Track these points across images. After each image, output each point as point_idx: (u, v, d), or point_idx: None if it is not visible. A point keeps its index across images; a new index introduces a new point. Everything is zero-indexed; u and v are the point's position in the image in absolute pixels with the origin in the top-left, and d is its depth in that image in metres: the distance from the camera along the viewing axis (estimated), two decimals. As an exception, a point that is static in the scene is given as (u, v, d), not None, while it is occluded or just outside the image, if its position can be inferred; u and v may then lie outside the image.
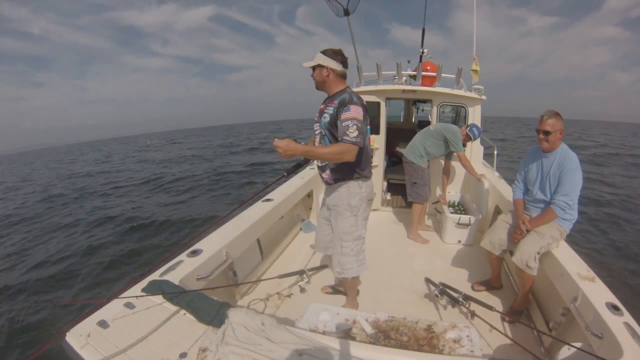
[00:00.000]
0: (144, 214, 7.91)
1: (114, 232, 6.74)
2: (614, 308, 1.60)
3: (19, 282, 4.83)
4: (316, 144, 2.09)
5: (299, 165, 1.96)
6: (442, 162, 3.94)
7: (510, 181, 3.09)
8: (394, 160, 5.30)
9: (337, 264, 2.18)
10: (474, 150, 4.16)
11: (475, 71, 4.13)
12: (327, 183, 2.14)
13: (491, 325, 1.96)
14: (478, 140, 4.12)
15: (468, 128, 3.61)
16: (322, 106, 2.04)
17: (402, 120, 7.02)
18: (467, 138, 3.64)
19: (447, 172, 3.96)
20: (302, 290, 2.69)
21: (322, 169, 2.11)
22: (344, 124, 1.78)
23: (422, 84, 4.05)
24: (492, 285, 2.73)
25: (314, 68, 1.94)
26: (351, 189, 2.04)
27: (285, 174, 1.95)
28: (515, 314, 2.37)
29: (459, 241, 3.54)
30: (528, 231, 2.29)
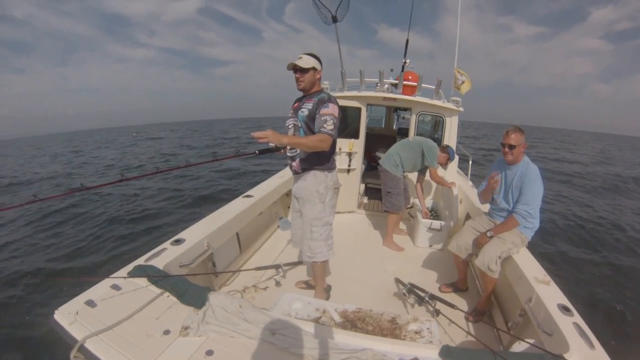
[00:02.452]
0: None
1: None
2: (564, 309, 1.74)
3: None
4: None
5: (271, 150, 2.04)
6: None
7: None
8: (372, 165, 5.41)
9: (308, 249, 2.30)
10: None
11: (458, 87, 4.26)
12: (295, 172, 2.30)
13: (450, 320, 2.11)
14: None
15: (447, 151, 3.71)
16: (296, 104, 2.23)
17: (383, 126, 7.16)
18: (447, 159, 3.76)
19: (422, 188, 3.97)
20: (278, 284, 2.79)
21: (292, 158, 2.26)
22: (322, 118, 2.01)
23: (403, 93, 4.17)
24: (458, 287, 2.88)
25: (307, 70, 2.08)
26: (318, 177, 2.21)
27: (257, 152, 2.01)
28: (478, 314, 2.51)
29: (430, 245, 3.68)
30: (492, 237, 2.46)
